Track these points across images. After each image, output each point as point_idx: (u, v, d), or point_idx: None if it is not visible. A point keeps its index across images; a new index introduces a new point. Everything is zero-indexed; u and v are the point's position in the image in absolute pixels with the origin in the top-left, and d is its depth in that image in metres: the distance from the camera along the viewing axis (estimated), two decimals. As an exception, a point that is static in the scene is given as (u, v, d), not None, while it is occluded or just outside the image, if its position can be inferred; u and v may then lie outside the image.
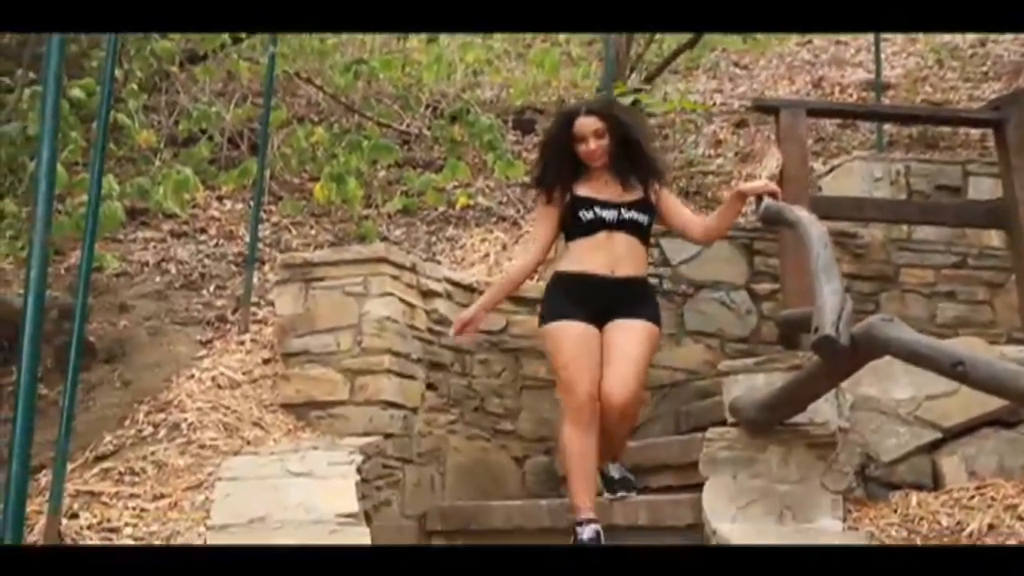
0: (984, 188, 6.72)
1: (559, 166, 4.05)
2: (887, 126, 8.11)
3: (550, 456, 5.38)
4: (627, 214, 3.98)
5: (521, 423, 5.48)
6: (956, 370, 2.84)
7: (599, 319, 3.95)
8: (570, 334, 3.90)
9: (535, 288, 5.51)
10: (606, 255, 3.95)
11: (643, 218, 4.02)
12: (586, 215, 3.98)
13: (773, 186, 4.01)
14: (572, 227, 4.05)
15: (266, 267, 6.06)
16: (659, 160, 4.16)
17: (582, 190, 4.05)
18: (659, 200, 4.11)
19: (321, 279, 4.89)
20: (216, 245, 6.43)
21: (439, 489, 5.08)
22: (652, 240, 5.74)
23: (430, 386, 5.10)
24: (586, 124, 3.98)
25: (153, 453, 4.22)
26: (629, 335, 3.91)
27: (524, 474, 5.44)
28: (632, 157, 4.03)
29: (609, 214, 3.97)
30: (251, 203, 6.11)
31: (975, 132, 7.94)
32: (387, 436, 4.66)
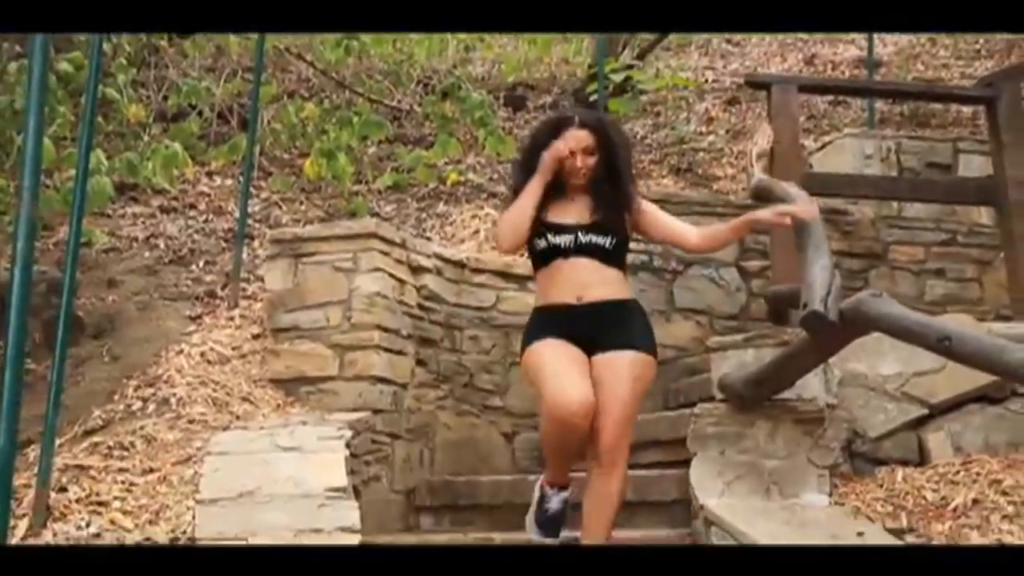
0: (975, 166, 6.73)
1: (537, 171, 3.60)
2: (879, 104, 8.12)
3: (538, 432, 5.39)
4: (585, 237, 3.53)
5: (510, 399, 5.50)
6: (943, 345, 2.85)
7: (582, 347, 3.48)
8: (552, 347, 3.44)
9: (524, 265, 5.51)
10: (567, 284, 3.51)
11: (603, 240, 3.54)
12: (539, 244, 3.58)
13: (786, 219, 3.58)
14: (531, 255, 3.68)
15: (256, 243, 6.05)
16: (635, 189, 3.72)
17: (548, 211, 3.61)
18: (641, 216, 3.67)
19: (311, 254, 4.88)
20: (205, 221, 6.41)
21: (428, 464, 5.10)
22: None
23: (420, 362, 5.11)
24: (578, 138, 3.56)
25: (142, 428, 4.22)
26: (618, 374, 3.42)
27: (513, 450, 5.46)
28: (612, 183, 3.61)
29: (564, 239, 3.53)
30: (241, 178, 6.09)
31: (966, 110, 7.96)
32: (376, 412, 4.66)
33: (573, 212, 3.59)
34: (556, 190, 3.61)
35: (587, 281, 3.51)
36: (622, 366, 3.42)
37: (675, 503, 4.31)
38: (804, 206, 3.62)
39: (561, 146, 3.55)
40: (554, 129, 3.63)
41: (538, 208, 3.56)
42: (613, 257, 3.58)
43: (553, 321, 3.49)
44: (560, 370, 3.37)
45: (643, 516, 4.35)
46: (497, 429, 5.46)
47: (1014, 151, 5.72)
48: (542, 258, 3.58)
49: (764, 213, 3.62)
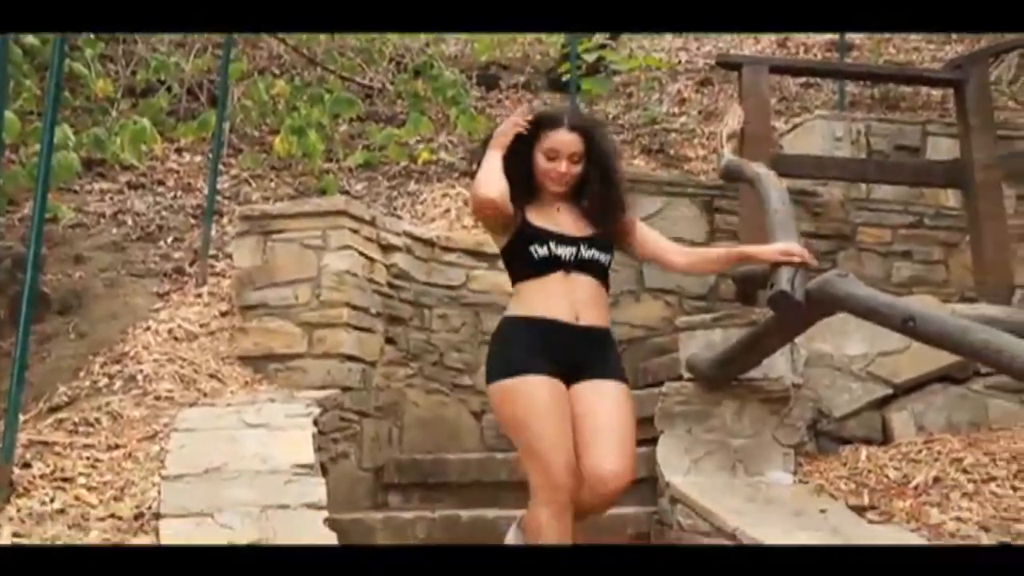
0: (942, 148, 6.79)
1: (513, 172, 3.18)
2: (850, 86, 8.15)
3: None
4: (587, 252, 3.19)
5: (480, 378, 5.45)
6: (907, 325, 2.87)
7: (564, 376, 3.12)
8: (542, 395, 3.05)
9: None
10: (566, 300, 3.14)
11: (605, 257, 3.24)
12: (539, 251, 3.16)
13: (792, 257, 3.24)
14: (520, 262, 3.22)
15: (225, 220, 6.01)
16: (627, 197, 3.37)
17: (533, 216, 3.22)
18: (632, 232, 3.36)
19: (280, 232, 4.86)
20: (174, 197, 6.36)
21: (396, 442, 5.11)
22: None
23: (389, 340, 5.10)
24: (566, 142, 3.20)
25: (108, 404, 4.20)
26: (612, 405, 3.13)
27: (482, 428, 5.47)
28: (604, 192, 3.26)
29: (566, 251, 3.16)
30: (210, 155, 6.05)
31: (936, 94, 8.01)
32: (345, 389, 4.66)
33: (564, 222, 3.23)
34: (531, 194, 3.25)
35: (585, 300, 3.16)
36: (612, 393, 3.14)
37: (642, 481, 4.32)
38: (800, 249, 3.27)
39: (518, 120, 3.22)
40: (538, 126, 3.24)
41: (519, 210, 3.19)
42: (607, 276, 3.28)
43: (543, 337, 3.11)
44: (558, 443, 3.01)
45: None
46: (466, 408, 5.46)
47: (981, 134, 5.76)
48: (537, 267, 3.16)
49: (766, 252, 3.31)
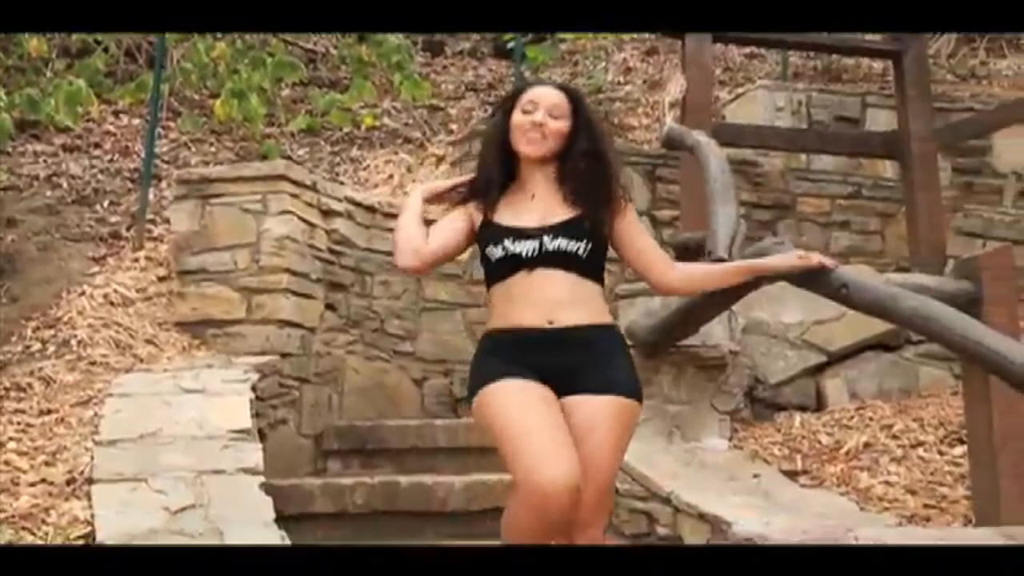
0: (881, 120, 6.88)
1: (490, 153, 2.82)
2: (794, 58, 8.21)
3: (448, 378, 5.42)
4: (552, 243, 2.71)
5: (421, 345, 5.49)
6: (841, 292, 2.92)
7: (552, 386, 2.67)
8: (518, 394, 2.61)
9: (437, 212, 5.49)
10: (534, 303, 2.70)
11: (575, 245, 2.72)
12: (495, 252, 2.73)
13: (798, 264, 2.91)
14: (484, 267, 2.82)
15: (163, 184, 5.92)
16: (620, 182, 2.83)
17: (500, 210, 2.79)
18: (622, 223, 2.80)
19: (219, 196, 4.81)
20: (111, 160, 6.24)
21: (336, 409, 5.09)
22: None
23: (329, 306, 5.07)
24: (546, 94, 2.78)
25: (41, 369, 4.14)
26: (598, 426, 2.62)
27: (423, 396, 5.47)
28: (589, 162, 2.77)
29: (525, 247, 2.71)
30: (148, 118, 5.94)
31: (877, 66, 8.08)
32: (284, 355, 4.63)
33: (536, 211, 2.77)
34: (510, 179, 2.82)
35: (558, 299, 2.70)
36: (605, 416, 2.63)
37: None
38: (818, 256, 2.95)
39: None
40: (517, 91, 2.85)
41: (490, 206, 2.78)
42: (589, 267, 2.76)
43: (517, 349, 2.69)
44: (535, 437, 2.53)
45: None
46: (407, 375, 5.46)
47: (918, 105, 5.84)
48: (499, 271, 2.75)
49: (782, 263, 2.92)
